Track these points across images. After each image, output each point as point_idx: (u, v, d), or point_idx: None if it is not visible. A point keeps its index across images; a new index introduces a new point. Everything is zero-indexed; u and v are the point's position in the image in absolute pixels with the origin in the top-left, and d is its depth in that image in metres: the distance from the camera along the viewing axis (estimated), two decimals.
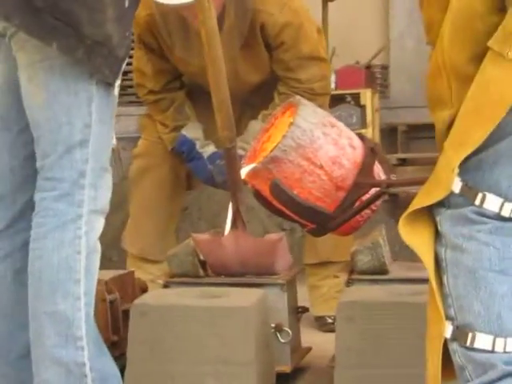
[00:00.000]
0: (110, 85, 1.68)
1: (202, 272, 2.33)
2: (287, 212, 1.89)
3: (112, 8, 1.65)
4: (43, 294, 1.65)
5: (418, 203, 1.35)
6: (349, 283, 2.24)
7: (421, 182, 2.29)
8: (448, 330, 1.32)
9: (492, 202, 1.31)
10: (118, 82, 1.70)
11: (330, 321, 2.58)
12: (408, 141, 5.41)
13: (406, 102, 5.44)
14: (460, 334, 1.29)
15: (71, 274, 1.64)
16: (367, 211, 1.99)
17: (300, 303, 2.45)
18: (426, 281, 2.01)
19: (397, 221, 3.32)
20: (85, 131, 1.67)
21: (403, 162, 4.98)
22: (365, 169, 1.88)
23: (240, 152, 2.34)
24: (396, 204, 5.18)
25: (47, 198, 1.66)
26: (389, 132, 5.26)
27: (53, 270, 1.65)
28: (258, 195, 1.95)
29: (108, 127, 1.75)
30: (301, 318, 2.44)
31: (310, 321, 2.70)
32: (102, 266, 2.00)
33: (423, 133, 5.25)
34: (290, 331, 2.16)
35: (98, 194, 1.70)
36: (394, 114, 5.40)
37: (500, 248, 1.27)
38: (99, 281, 1.96)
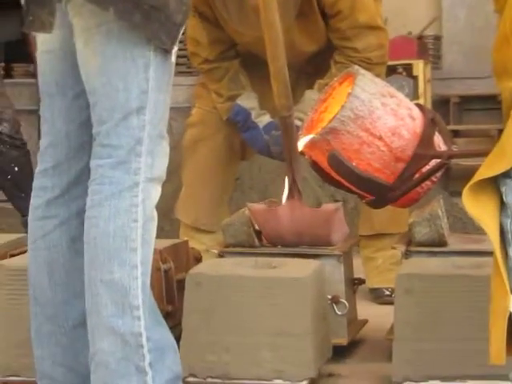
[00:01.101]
0: (167, 51, 1.63)
1: (257, 242, 2.30)
2: (345, 183, 1.93)
3: None
4: (99, 263, 1.62)
5: (482, 174, 1.30)
6: (407, 255, 2.21)
7: (484, 154, 2.24)
8: None
9: None
10: (175, 49, 1.64)
11: (386, 293, 2.58)
12: (460, 112, 5.36)
13: (459, 73, 5.42)
14: None
15: (127, 243, 1.61)
16: (427, 183, 2.10)
17: (355, 275, 2.43)
18: (485, 253, 1.98)
19: (450, 192, 3.13)
20: (142, 97, 1.63)
21: (456, 134, 4.93)
22: (425, 139, 1.87)
23: (296, 122, 2.31)
24: (449, 176, 5.19)
25: (103, 165, 1.62)
26: (441, 103, 5.21)
27: (109, 238, 1.62)
28: (315, 166, 1.97)
29: (165, 94, 1.70)
30: (357, 290, 2.42)
31: (364, 293, 2.67)
32: (155, 236, 2.11)
33: (476, 104, 5.24)
34: (346, 303, 2.13)
35: (155, 161, 1.65)
36: (446, 85, 5.37)
37: None
38: (154, 250, 1.84)
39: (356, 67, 2.04)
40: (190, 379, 1.88)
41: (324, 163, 1.91)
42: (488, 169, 1.31)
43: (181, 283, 2.02)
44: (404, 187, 1.90)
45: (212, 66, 2.70)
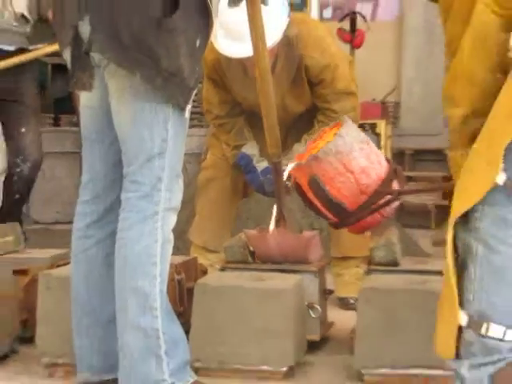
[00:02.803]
0: (182, 109, 1.68)
1: (251, 260, 2.33)
2: (318, 204, 1.90)
3: (185, 46, 1.66)
4: (127, 275, 1.67)
5: (460, 206, 1.24)
6: (368, 272, 2.25)
7: (426, 190, 2.25)
8: (463, 319, 1.23)
9: None
10: (189, 107, 1.70)
11: (351, 301, 2.57)
12: (414, 162, 5.40)
13: (413, 131, 5.47)
14: (476, 323, 1.22)
15: (150, 259, 1.67)
16: (378, 216, 1.98)
17: (327, 287, 2.44)
18: (430, 272, 2.08)
19: (402, 224, 3.17)
20: (162, 145, 1.68)
21: (409, 179, 4.89)
22: (386, 183, 1.89)
23: (284, 167, 2.30)
24: (402, 211, 5.16)
25: (132, 197, 1.68)
26: (398, 155, 5.27)
27: (135, 255, 1.68)
28: (297, 188, 1.97)
29: (181, 142, 1.75)
30: (328, 299, 2.44)
31: (333, 301, 2.69)
32: (171, 253, 2.00)
33: (426, 156, 5.29)
34: (319, 308, 2.16)
35: (172, 195, 1.70)
36: (402, 141, 5.43)
37: None
38: (170, 264, 1.92)
39: (345, 117, 2.04)
40: (197, 364, 1.93)
41: (305, 185, 1.90)
42: (465, 199, 1.24)
43: (190, 291, 2.05)
44: (362, 214, 1.88)
45: (222, 122, 2.73)
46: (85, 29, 1.65)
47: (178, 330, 1.73)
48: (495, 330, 1.19)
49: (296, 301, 2.01)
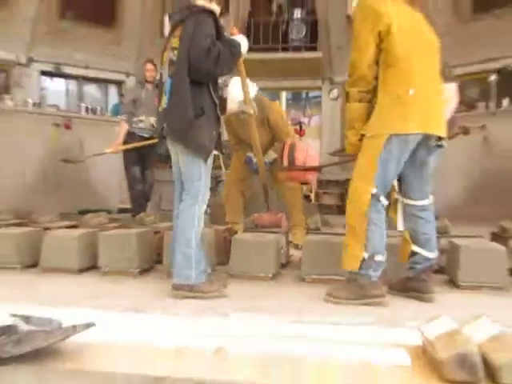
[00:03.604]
0: (205, 160, 2.10)
1: (256, 227, 3.24)
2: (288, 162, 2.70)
3: (206, 134, 2.09)
4: (182, 227, 2.13)
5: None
6: (306, 233, 3.10)
7: (337, 164, 3.62)
8: (366, 254, 1.90)
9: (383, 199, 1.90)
10: (210, 160, 2.13)
11: (299, 246, 3.10)
12: None
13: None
14: (371, 255, 1.91)
15: (191, 222, 2.10)
16: (305, 175, 2.77)
17: (289, 239, 3.10)
18: (336, 234, 2.65)
19: (322, 212, 4.36)
20: (200, 176, 2.11)
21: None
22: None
23: (266, 161, 3.11)
24: (320, 206, 5.95)
25: (186, 197, 2.13)
26: None
27: (185, 220, 2.11)
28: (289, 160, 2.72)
29: (207, 173, 2.14)
30: (290, 244, 3.11)
31: (292, 245, 3.28)
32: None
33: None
34: (286, 248, 2.89)
35: (203, 197, 2.13)
36: None
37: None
38: (220, 228, 2.75)
39: (291, 138, 2.85)
40: (231, 272, 2.53)
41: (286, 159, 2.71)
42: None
43: (230, 241, 2.64)
44: (298, 168, 2.71)
45: (236, 147, 3.49)
46: (164, 128, 2.15)
47: (201, 254, 2.13)
48: (380, 257, 1.94)
49: (275, 245, 2.57)
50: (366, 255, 1.88)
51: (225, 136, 3.36)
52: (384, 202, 1.89)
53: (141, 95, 4.49)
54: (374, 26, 1.83)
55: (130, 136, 4.50)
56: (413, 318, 1.73)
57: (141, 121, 4.44)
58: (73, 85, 7.06)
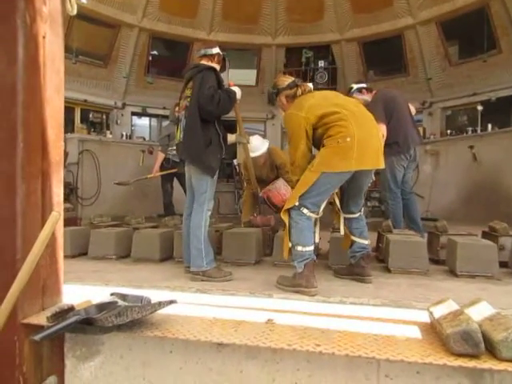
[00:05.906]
0: (212, 177, 2.10)
1: (252, 224, 3.03)
2: (271, 204, 2.32)
3: (214, 158, 2.11)
4: (193, 228, 2.10)
5: (291, 201, 1.76)
6: (283, 229, 2.27)
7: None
8: (289, 245, 1.82)
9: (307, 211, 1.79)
10: (215, 176, 2.11)
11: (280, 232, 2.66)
12: None
13: None
14: (295, 245, 1.80)
15: (200, 224, 2.09)
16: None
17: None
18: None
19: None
20: (206, 189, 2.10)
21: None
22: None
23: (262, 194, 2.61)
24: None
25: (196, 205, 2.12)
26: None
27: (194, 225, 2.11)
28: (267, 199, 2.33)
29: (213, 187, 2.14)
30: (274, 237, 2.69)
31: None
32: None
33: None
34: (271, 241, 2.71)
35: (209, 205, 2.12)
36: None
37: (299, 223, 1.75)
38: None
39: (281, 179, 2.53)
40: (225, 260, 2.51)
41: (268, 198, 2.31)
42: (291, 201, 1.74)
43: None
44: (281, 206, 2.11)
45: (246, 178, 3.43)
46: (183, 155, 2.13)
47: (210, 248, 2.12)
48: (300, 248, 1.80)
49: (259, 237, 2.59)
50: (289, 245, 1.82)
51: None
52: (308, 213, 1.82)
53: (173, 131, 4.49)
54: (302, 127, 1.86)
55: (167, 161, 4.68)
56: (422, 300, 1.66)
57: (173, 149, 4.48)
58: (154, 121, 7.33)
